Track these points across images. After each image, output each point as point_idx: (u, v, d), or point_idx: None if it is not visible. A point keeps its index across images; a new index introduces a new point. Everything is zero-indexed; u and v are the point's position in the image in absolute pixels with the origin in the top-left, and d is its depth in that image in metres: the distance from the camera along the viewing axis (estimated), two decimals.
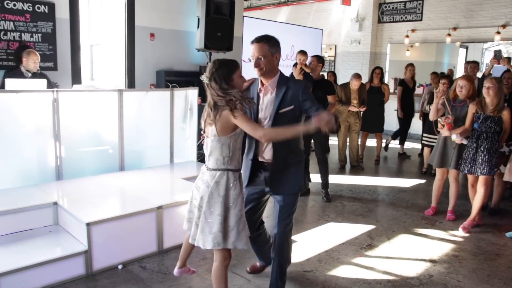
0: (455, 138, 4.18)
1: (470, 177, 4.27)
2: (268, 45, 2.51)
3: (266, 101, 2.58)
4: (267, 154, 2.61)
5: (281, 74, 2.63)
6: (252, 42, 2.54)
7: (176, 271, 2.82)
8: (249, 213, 2.75)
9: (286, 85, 2.56)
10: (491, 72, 6.15)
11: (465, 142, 4.16)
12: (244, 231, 2.41)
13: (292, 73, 5.06)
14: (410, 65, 7.45)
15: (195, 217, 2.45)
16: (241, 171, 2.59)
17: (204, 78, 2.35)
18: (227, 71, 2.33)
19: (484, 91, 4.01)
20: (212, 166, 2.40)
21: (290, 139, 2.52)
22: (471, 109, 4.11)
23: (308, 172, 5.27)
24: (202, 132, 2.53)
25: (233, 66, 2.37)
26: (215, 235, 2.34)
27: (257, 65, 2.51)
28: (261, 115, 2.58)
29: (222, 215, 2.34)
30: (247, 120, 2.32)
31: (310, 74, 4.97)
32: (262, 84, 2.60)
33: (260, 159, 2.64)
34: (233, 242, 2.37)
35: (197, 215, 2.43)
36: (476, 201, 4.18)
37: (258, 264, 3.22)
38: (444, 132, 4.24)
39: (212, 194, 2.36)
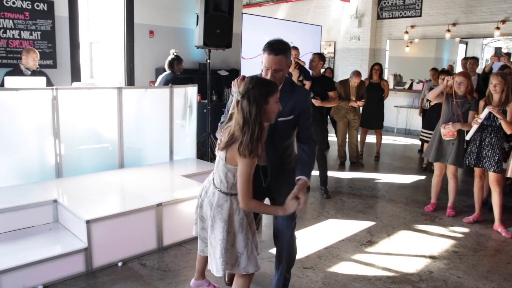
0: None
1: (476, 170, 4.27)
2: (286, 57, 2.35)
3: None
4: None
5: (287, 79, 2.49)
6: (270, 52, 2.31)
7: (192, 282, 2.78)
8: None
9: (291, 93, 2.43)
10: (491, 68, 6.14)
11: (467, 138, 4.17)
12: (253, 254, 2.29)
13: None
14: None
15: (200, 230, 2.40)
16: None
17: (237, 93, 2.10)
18: (264, 91, 2.08)
19: (491, 87, 4.00)
20: (216, 184, 2.27)
21: (285, 148, 2.46)
22: (480, 105, 4.13)
23: None
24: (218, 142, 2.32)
25: (272, 88, 2.13)
26: (216, 262, 2.23)
27: (273, 78, 2.32)
28: None
29: (225, 240, 2.21)
30: (247, 176, 2.08)
31: (308, 69, 4.97)
32: None
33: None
34: (245, 268, 2.26)
35: (206, 229, 2.34)
36: (494, 203, 4.13)
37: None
38: (449, 129, 4.26)
39: (215, 218, 2.24)
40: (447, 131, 4.26)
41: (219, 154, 2.21)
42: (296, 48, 5.08)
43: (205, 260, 2.58)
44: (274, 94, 2.12)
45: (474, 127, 4.08)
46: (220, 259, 2.20)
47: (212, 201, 2.25)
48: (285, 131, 2.42)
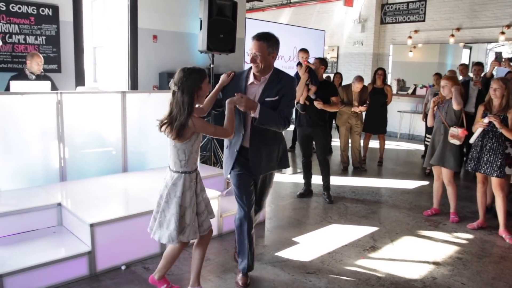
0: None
1: (479, 175, 4.27)
2: (267, 44, 2.68)
3: (256, 91, 2.79)
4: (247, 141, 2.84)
5: (276, 69, 2.82)
6: (253, 38, 2.70)
7: (151, 278, 2.89)
8: (251, 193, 2.93)
9: (278, 79, 2.77)
10: (493, 73, 6.13)
11: (471, 141, 4.17)
12: (194, 226, 2.64)
13: (297, 72, 5.06)
14: None
15: (154, 211, 2.68)
16: (224, 160, 2.98)
17: (172, 85, 2.47)
18: (196, 80, 2.46)
19: (491, 92, 4.02)
20: (171, 167, 2.61)
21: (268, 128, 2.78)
22: (479, 110, 4.15)
23: (310, 173, 5.27)
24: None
25: (202, 75, 2.50)
26: (170, 232, 2.57)
27: (253, 61, 2.69)
28: None
29: (178, 214, 2.55)
30: (209, 125, 2.58)
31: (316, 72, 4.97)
32: (255, 77, 2.79)
33: (245, 145, 2.84)
34: (188, 236, 2.62)
35: (156, 209, 2.66)
36: (498, 208, 4.12)
37: (242, 275, 3.06)
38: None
39: (170, 195, 2.58)
40: (456, 134, 4.24)
41: (169, 141, 2.54)
42: (305, 51, 5.07)
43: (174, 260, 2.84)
44: (205, 78, 2.50)
45: (479, 130, 4.07)
46: (175, 230, 2.56)
47: (168, 183, 2.59)
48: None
